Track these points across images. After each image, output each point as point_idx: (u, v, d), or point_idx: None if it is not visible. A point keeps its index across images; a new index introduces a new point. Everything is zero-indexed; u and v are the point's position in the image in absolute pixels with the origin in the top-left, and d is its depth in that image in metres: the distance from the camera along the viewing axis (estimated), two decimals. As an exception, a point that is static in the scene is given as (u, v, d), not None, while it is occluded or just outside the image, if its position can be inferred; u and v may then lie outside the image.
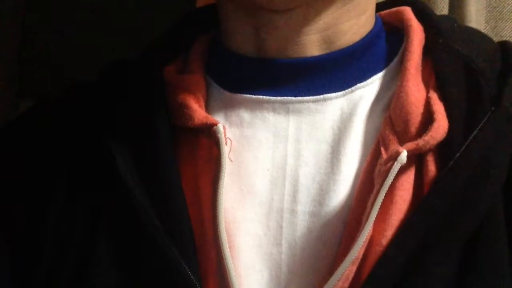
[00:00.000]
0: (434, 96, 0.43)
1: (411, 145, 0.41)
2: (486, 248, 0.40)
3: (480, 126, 0.41)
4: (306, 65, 0.46)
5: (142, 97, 0.47)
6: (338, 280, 0.40)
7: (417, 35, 0.47)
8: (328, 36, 0.46)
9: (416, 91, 0.44)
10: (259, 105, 0.46)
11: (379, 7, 0.51)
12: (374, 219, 0.40)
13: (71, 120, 0.49)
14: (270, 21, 0.45)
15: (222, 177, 0.42)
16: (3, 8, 1.14)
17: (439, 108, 0.42)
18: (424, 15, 0.49)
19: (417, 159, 0.42)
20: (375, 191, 0.41)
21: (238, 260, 0.42)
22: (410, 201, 0.41)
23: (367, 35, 0.47)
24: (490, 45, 0.47)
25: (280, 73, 0.46)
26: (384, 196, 0.40)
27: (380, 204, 0.40)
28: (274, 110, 0.46)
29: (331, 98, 0.45)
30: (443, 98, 0.43)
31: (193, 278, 0.40)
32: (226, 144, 0.44)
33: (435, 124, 0.41)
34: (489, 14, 0.73)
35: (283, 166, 0.44)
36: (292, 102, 0.45)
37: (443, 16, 0.53)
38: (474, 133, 0.41)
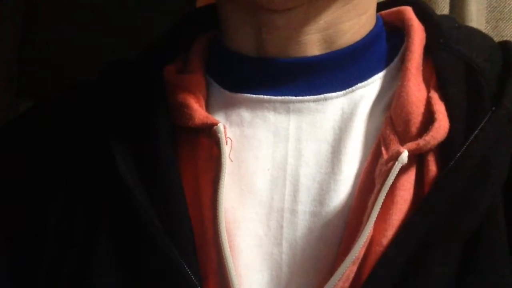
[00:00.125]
0: (435, 96, 0.43)
1: (412, 145, 0.41)
2: (487, 248, 0.40)
3: (481, 126, 0.41)
4: (307, 65, 0.46)
5: (142, 97, 0.47)
6: (338, 280, 0.40)
7: (418, 34, 0.47)
8: (328, 35, 0.46)
9: (417, 91, 0.44)
10: (259, 104, 0.46)
11: (380, 7, 0.51)
12: (374, 219, 0.40)
13: (71, 120, 0.49)
14: (270, 21, 0.45)
15: (223, 177, 0.42)
16: (3, 8, 1.14)
17: (440, 108, 0.42)
18: (425, 15, 0.49)
19: (417, 159, 0.42)
20: (375, 191, 0.41)
21: (239, 260, 0.42)
22: (410, 201, 0.41)
23: (367, 35, 0.47)
24: (491, 45, 0.47)
25: (281, 72, 0.46)
26: (385, 196, 0.40)
27: (381, 204, 0.40)
28: (274, 110, 0.46)
29: (331, 98, 0.45)
30: (444, 98, 0.43)
31: (193, 278, 0.40)
32: (226, 144, 0.44)
33: (436, 124, 0.41)
34: (489, 14, 0.73)
35: (283, 166, 0.44)
36: (293, 102, 0.45)
37: (444, 16, 0.53)
38: (475, 133, 0.41)
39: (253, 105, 0.46)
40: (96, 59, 0.59)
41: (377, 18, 0.50)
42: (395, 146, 0.42)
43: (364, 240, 0.40)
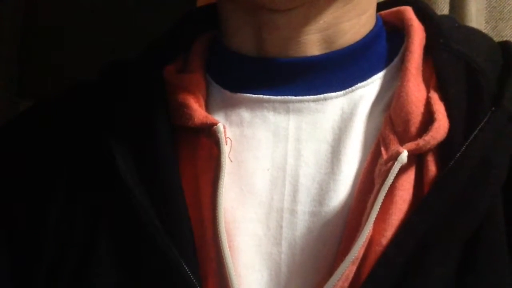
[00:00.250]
0: (434, 96, 0.43)
1: (411, 145, 0.41)
2: (486, 248, 0.40)
3: (480, 126, 0.41)
4: (307, 65, 0.46)
5: (142, 97, 0.47)
6: (338, 280, 0.40)
7: (418, 34, 0.47)
8: (328, 35, 0.46)
9: (417, 91, 0.44)
10: (259, 104, 0.46)
11: (380, 7, 0.51)
12: (374, 219, 0.40)
13: (71, 120, 0.49)
14: (270, 21, 0.45)
15: (222, 176, 0.42)
16: (3, 8, 1.15)
17: (439, 108, 0.42)
18: (425, 15, 0.49)
19: (417, 159, 0.42)
20: (375, 191, 0.41)
21: (238, 260, 0.42)
22: (410, 201, 0.41)
23: (367, 35, 0.47)
24: (491, 45, 0.47)
25: (281, 72, 0.46)
26: (384, 196, 0.40)
27: (380, 204, 0.40)
28: (274, 110, 0.46)
29: (331, 98, 0.45)
30: (443, 98, 0.43)
31: (193, 278, 0.40)
32: (226, 144, 0.43)
33: (436, 124, 0.41)
34: (489, 14, 0.73)
35: (283, 166, 0.44)
36: (293, 102, 0.45)
37: (444, 16, 0.53)
38: (475, 133, 0.41)
39: (253, 105, 0.46)
40: (96, 59, 0.59)
41: (377, 18, 0.50)
42: (394, 146, 0.42)
43: (364, 240, 0.40)
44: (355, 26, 0.47)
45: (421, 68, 0.45)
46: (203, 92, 0.47)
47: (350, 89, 0.46)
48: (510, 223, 0.41)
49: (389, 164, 0.41)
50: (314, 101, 0.45)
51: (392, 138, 0.42)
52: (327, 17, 0.45)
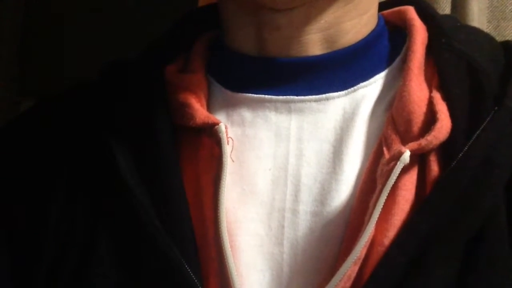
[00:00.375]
0: (437, 95, 0.43)
1: (413, 145, 0.41)
2: (489, 248, 0.40)
3: (483, 126, 0.41)
4: (308, 65, 0.46)
5: (143, 97, 0.47)
6: (340, 280, 0.39)
7: (420, 34, 0.47)
8: (330, 35, 0.46)
9: (419, 91, 0.43)
10: (260, 104, 0.46)
11: (381, 6, 0.51)
12: (376, 219, 0.40)
13: (72, 120, 0.49)
14: (271, 20, 0.45)
15: (224, 176, 0.42)
16: (3, 8, 1.15)
17: (442, 108, 0.42)
18: (427, 15, 0.49)
19: (419, 159, 0.42)
20: (377, 191, 0.41)
21: (240, 260, 0.42)
22: (412, 201, 0.41)
23: (369, 34, 0.47)
24: (493, 45, 0.47)
25: (282, 72, 0.46)
26: (387, 196, 0.40)
27: (383, 204, 0.40)
28: (276, 110, 0.46)
29: (333, 98, 0.45)
30: (446, 98, 0.43)
31: (194, 278, 0.40)
32: (227, 144, 0.43)
33: (438, 124, 0.41)
34: (491, 14, 0.73)
35: (285, 166, 0.44)
36: (294, 102, 0.45)
37: (446, 15, 0.53)
38: (477, 133, 0.41)
39: (255, 105, 0.46)
40: (96, 59, 0.59)
41: (379, 18, 0.49)
42: (396, 146, 0.42)
43: (366, 240, 0.39)
44: (357, 25, 0.47)
45: (423, 68, 0.45)
46: (204, 92, 0.47)
47: (352, 89, 0.46)
48: None
49: (392, 164, 0.41)
50: (316, 101, 0.45)
51: (394, 138, 0.42)
52: (328, 17, 0.45)
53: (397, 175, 0.40)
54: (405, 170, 0.41)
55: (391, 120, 0.43)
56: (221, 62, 0.49)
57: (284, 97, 0.45)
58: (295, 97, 0.45)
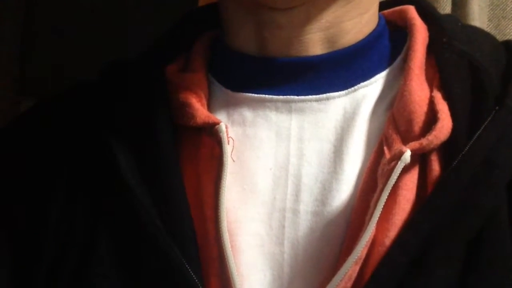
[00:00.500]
0: (438, 95, 0.43)
1: (414, 144, 0.41)
2: (490, 248, 0.40)
3: (484, 125, 0.41)
4: (309, 64, 0.46)
5: (143, 96, 0.47)
6: (341, 280, 0.39)
7: (420, 34, 0.47)
8: (330, 34, 0.46)
9: (420, 90, 0.43)
10: (261, 104, 0.46)
11: (382, 6, 0.51)
12: (377, 219, 0.40)
13: (72, 120, 0.49)
14: (272, 20, 0.45)
15: (224, 176, 0.42)
16: (4, 8, 1.15)
17: (443, 108, 0.42)
18: (428, 14, 0.49)
19: (420, 158, 0.42)
20: (378, 190, 0.41)
21: (240, 260, 0.42)
22: (413, 201, 0.41)
23: (370, 34, 0.47)
24: (494, 44, 0.47)
25: (283, 72, 0.46)
26: (387, 196, 0.40)
27: (383, 203, 0.40)
28: (276, 109, 0.46)
29: (334, 97, 0.45)
30: (447, 98, 0.43)
31: (195, 278, 0.40)
32: (228, 143, 0.43)
33: (439, 124, 0.41)
34: (492, 12, 0.73)
35: (285, 166, 0.44)
36: (295, 101, 0.45)
37: (447, 15, 0.53)
38: (478, 132, 0.41)
39: (255, 105, 0.46)
40: (96, 59, 0.59)
41: (380, 17, 0.49)
42: (397, 145, 0.42)
43: (367, 240, 0.39)
44: (357, 25, 0.47)
45: (424, 67, 0.45)
46: (205, 91, 0.47)
47: (352, 88, 0.46)
48: None
49: (392, 164, 0.41)
50: (316, 100, 0.45)
51: (395, 137, 0.42)
52: (328, 16, 0.45)
53: (398, 174, 0.40)
54: (406, 169, 0.41)
55: (392, 119, 0.43)
56: (221, 61, 0.49)
57: (285, 96, 0.45)
58: (296, 97, 0.45)
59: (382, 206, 0.40)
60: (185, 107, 0.45)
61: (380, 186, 0.41)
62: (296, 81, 0.46)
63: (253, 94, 0.46)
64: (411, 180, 0.41)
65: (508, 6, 0.73)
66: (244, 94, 0.46)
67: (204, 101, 0.46)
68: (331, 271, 0.41)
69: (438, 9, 0.64)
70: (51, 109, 0.51)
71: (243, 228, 0.43)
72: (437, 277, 0.39)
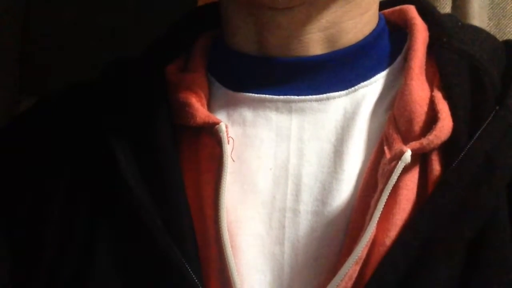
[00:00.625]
0: (438, 95, 0.43)
1: (415, 144, 0.41)
2: (490, 248, 0.40)
3: (484, 125, 0.41)
4: (309, 64, 0.46)
5: (143, 96, 0.47)
6: (341, 280, 0.39)
7: (421, 33, 0.47)
8: (331, 34, 0.46)
9: (420, 90, 0.43)
10: (261, 104, 0.46)
11: (382, 6, 0.51)
12: (377, 218, 0.40)
13: (72, 119, 0.49)
14: (272, 20, 0.45)
15: (224, 176, 0.42)
16: (3, 9, 1.14)
17: (443, 107, 0.42)
18: (428, 14, 0.49)
19: (421, 158, 0.42)
20: (378, 190, 0.41)
21: (240, 260, 0.42)
22: (414, 201, 0.41)
23: (370, 34, 0.47)
24: (495, 44, 0.47)
25: (283, 72, 0.46)
26: (388, 196, 0.40)
27: (384, 203, 0.40)
28: (276, 109, 0.45)
29: (334, 97, 0.45)
30: (447, 97, 0.43)
31: (194, 278, 0.40)
32: (228, 143, 0.43)
33: (439, 123, 0.41)
34: (492, 11, 0.73)
35: (285, 165, 0.44)
36: (295, 101, 0.45)
37: (447, 14, 0.53)
38: (479, 132, 0.41)
39: (255, 105, 0.46)
40: (96, 59, 0.59)
41: (380, 17, 0.49)
42: (398, 145, 0.42)
43: (367, 240, 0.39)
44: (357, 25, 0.46)
45: (424, 67, 0.45)
46: (205, 91, 0.47)
47: (352, 88, 0.46)
48: None
49: (393, 164, 0.41)
50: (316, 100, 0.45)
51: (396, 137, 0.42)
52: (328, 16, 0.45)
53: (399, 174, 0.40)
54: (407, 169, 0.41)
55: (393, 119, 0.43)
56: (221, 61, 0.49)
57: (285, 97, 0.45)
58: (296, 97, 0.45)
59: (383, 206, 0.40)
60: (185, 107, 0.45)
61: (380, 186, 0.41)
62: (296, 81, 0.46)
63: (253, 94, 0.46)
64: (412, 180, 0.41)
65: (508, 5, 0.73)
66: (244, 94, 0.46)
67: (204, 101, 0.46)
68: (331, 271, 0.41)
69: (438, 8, 0.64)
70: (51, 108, 0.51)
71: (243, 228, 0.43)
72: (437, 277, 0.39)
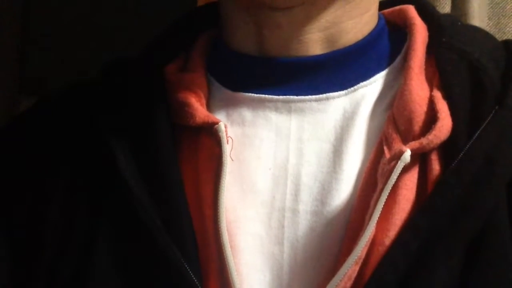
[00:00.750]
0: (437, 95, 0.43)
1: (414, 144, 0.41)
2: (490, 248, 0.40)
3: (484, 125, 0.41)
4: (309, 64, 0.46)
5: (143, 96, 0.47)
6: (340, 280, 0.39)
7: (420, 33, 0.47)
8: (330, 34, 0.46)
9: (420, 90, 0.43)
10: (261, 104, 0.46)
11: (381, 6, 0.51)
12: (377, 218, 0.40)
13: (72, 119, 0.49)
14: (271, 19, 0.45)
15: (224, 176, 0.42)
16: (3, 8, 1.15)
17: (443, 107, 0.42)
18: (427, 14, 0.49)
19: (420, 158, 0.42)
20: (378, 190, 0.41)
21: (240, 260, 0.42)
22: (413, 201, 0.41)
23: (370, 34, 0.47)
24: (494, 44, 0.47)
25: (282, 72, 0.46)
26: (387, 196, 0.40)
27: (383, 203, 0.40)
28: (276, 109, 0.45)
29: (333, 97, 0.45)
30: (447, 97, 0.43)
31: (194, 278, 0.40)
32: (227, 143, 0.43)
33: (439, 123, 0.41)
34: (491, 11, 0.73)
35: (285, 165, 0.44)
36: (294, 101, 0.45)
37: (446, 14, 0.53)
38: (478, 132, 0.40)
39: (255, 105, 0.46)
40: (96, 59, 0.59)
41: (379, 17, 0.49)
42: (397, 145, 0.42)
43: (366, 240, 0.39)
44: (357, 25, 0.46)
45: (424, 67, 0.45)
46: (204, 91, 0.47)
47: (352, 88, 0.46)
48: None
49: (392, 163, 0.41)
50: (316, 100, 0.45)
51: (395, 137, 0.42)
52: (328, 16, 0.45)
53: (398, 174, 0.40)
54: (406, 169, 0.41)
55: (392, 119, 0.43)
56: (221, 61, 0.49)
57: (284, 96, 0.45)
58: (295, 97, 0.45)
59: (382, 206, 0.40)
60: (184, 107, 0.45)
61: (380, 185, 0.41)
62: (296, 81, 0.46)
63: (252, 94, 0.46)
64: (411, 179, 0.41)
65: (508, 5, 0.73)
66: (244, 94, 0.46)
67: (204, 101, 0.46)
68: (331, 271, 0.41)
69: (438, 8, 0.64)
70: (51, 108, 0.51)
71: (242, 227, 0.43)
72: (437, 277, 0.39)
